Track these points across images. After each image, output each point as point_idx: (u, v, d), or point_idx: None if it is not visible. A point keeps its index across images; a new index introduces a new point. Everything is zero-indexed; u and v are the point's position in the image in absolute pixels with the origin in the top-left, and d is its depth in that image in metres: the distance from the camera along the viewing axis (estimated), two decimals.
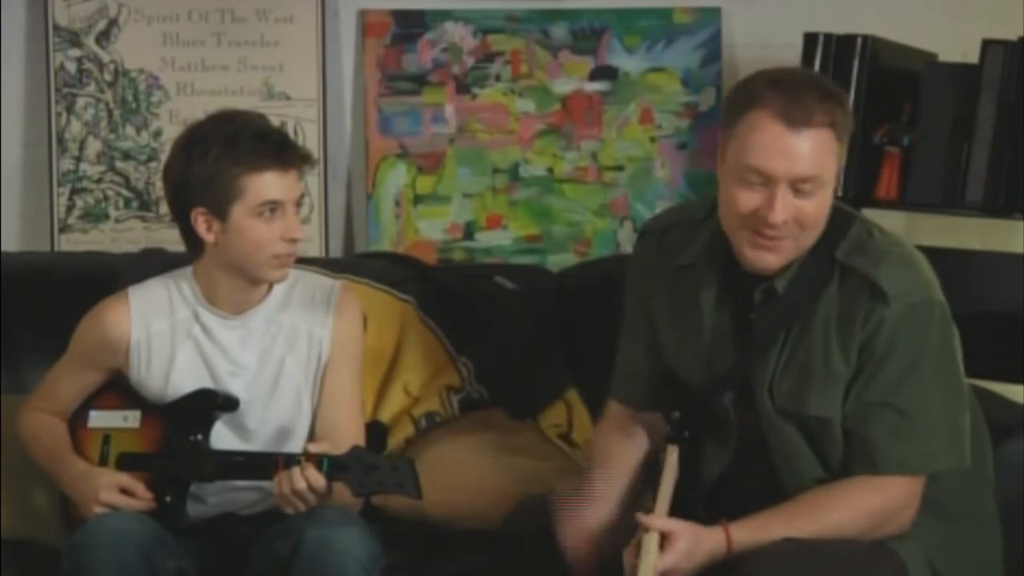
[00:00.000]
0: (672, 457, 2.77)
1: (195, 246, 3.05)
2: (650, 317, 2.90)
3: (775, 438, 2.75)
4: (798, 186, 2.64)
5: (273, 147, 2.98)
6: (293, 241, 3.00)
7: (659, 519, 2.68)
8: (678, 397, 2.84)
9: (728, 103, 2.75)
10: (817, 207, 2.67)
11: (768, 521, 2.69)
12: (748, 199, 2.66)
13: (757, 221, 2.66)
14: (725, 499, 2.76)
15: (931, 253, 2.81)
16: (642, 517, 2.67)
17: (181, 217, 3.02)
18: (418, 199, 3.86)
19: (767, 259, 2.69)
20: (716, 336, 2.80)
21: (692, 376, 2.84)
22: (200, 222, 2.99)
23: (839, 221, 2.75)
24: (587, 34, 3.86)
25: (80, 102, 3.85)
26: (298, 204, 3.02)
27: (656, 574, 2.61)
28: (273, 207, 2.97)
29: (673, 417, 2.80)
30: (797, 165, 2.63)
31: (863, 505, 2.70)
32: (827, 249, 2.72)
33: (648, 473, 2.86)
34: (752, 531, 2.68)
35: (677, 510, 2.73)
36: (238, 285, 3.06)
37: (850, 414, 2.71)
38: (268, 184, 2.96)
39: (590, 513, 2.82)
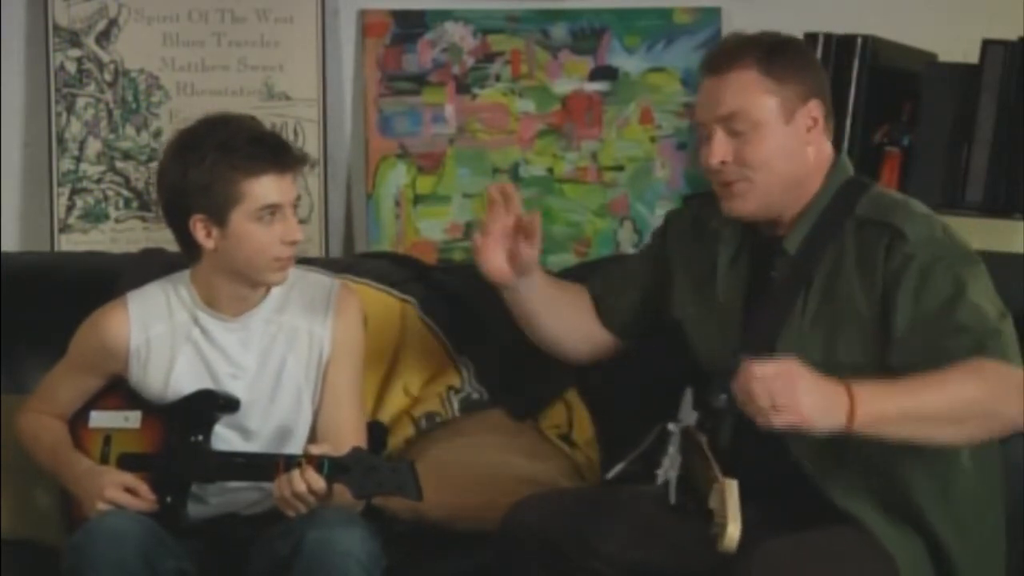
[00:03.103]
0: (704, 443, 2.75)
1: (192, 252, 3.04)
2: (666, 268, 3.01)
3: None
4: (730, 126, 2.78)
5: (270, 150, 2.98)
6: (293, 243, 3.00)
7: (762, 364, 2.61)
8: (696, 375, 2.86)
9: None
10: (761, 150, 2.77)
11: (887, 384, 2.63)
12: (701, 152, 2.83)
13: (710, 172, 2.80)
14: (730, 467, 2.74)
15: None
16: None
17: (178, 224, 3.01)
18: (418, 199, 3.86)
19: (731, 207, 2.82)
20: (729, 296, 2.87)
21: (705, 339, 2.90)
22: (199, 229, 2.99)
23: (855, 186, 2.85)
24: (587, 34, 3.86)
25: (80, 102, 3.85)
26: (294, 206, 3.02)
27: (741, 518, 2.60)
28: (272, 210, 2.97)
29: (718, 402, 2.74)
30: (718, 106, 2.78)
31: (982, 375, 2.63)
32: (843, 209, 2.80)
33: None
34: (874, 388, 2.60)
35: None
36: (237, 288, 3.06)
37: (902, 341, 2.70)
38: (266, 188, 2.96)
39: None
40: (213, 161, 2.94)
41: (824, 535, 2.70)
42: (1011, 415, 2.65)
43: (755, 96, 2.77)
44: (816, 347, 2.76)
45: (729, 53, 2.81)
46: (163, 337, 3.09)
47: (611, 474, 2.94)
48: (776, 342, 2.79)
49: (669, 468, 2.77)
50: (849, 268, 2.77)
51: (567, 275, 3.64)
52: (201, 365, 3.07)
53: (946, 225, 2.81)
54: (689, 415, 2.80)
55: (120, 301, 3.14)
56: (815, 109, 2.81)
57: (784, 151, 2.78)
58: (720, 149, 2.78)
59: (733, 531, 2.58)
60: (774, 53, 2.80)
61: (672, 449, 2.78)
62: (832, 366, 2.72)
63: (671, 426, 2.80)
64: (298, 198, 3.04)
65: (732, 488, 2.61)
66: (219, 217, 2.97)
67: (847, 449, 2.72)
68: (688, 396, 2.82)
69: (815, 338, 2.77)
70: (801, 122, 2.79)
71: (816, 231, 2.81)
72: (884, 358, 2.73)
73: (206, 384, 3.06)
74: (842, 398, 2.57)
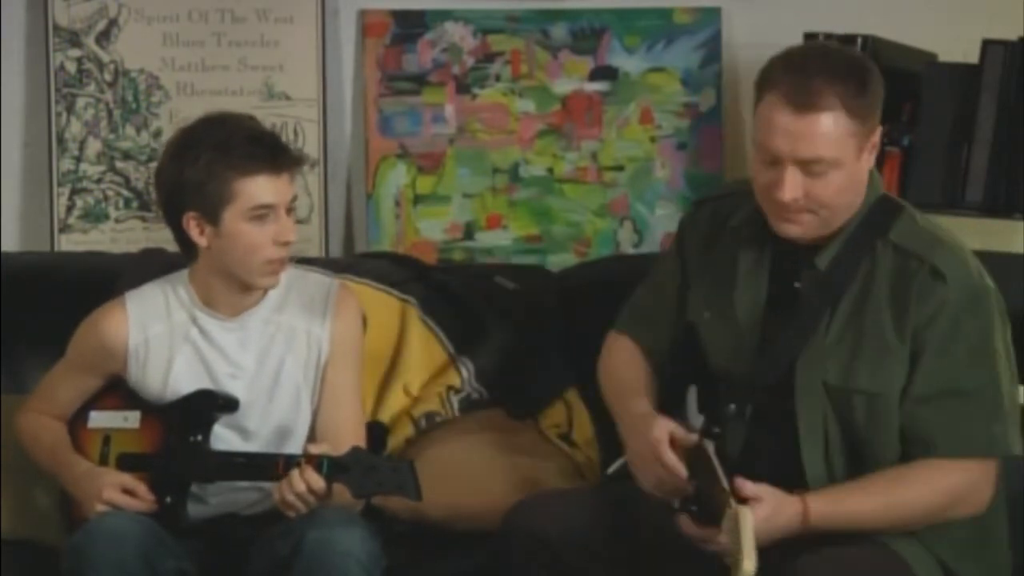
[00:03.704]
0: (711, 451, 2.73)
1: (189, 250, 3.05)
2: (687, 277, 2.96)
3: (807, 413, 2.77)
4: (808, 167, 2.70)
5: (266, 150, 2.98)
6: (286, 244, 3.00)
7: (748, 485, 2.67)
8: (707, 381, 2.86)
9: (755, 84, 2.79)
10: (833, 188, 2.72)
11: (842, 494, 2.72)
12: (763, 175, 2.75)
13: (772, 197, 2.73)
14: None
15: None
16: (740, 483, 2.66)
17: (173, 221, 3.02)
18: (418, 199, 3.86)
19: (790, 230, 2.77)
20: (748, 302, 2.84)
21: (719, 343, 2.87)
22: (192, 226, 2.99)
23: (889, 207, 2.82)
24: (587, 34, 3.86)
25: (80, 102, 3.85)
26: (290, 208, 3.02)
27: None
28: (265, 211, 2.97)
29: (728, 411, 2.77)
30: (800, 147, 2.69)
31: (937, 484, 2.72)
32: (877, 231, 2.78)
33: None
34: (828, 503, 2.70)
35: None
36: (233, 289, 3.06)
37: (918, 399, 2.73)
38: (260, 188, 2.96)
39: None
40: (209, 160, 2.95)
41: (843, 551, 2.69)
42: (966, 512, 2.76)
43: (840, 140, 2.69)
44: (836, 370, 2.76)
45: (816, 92, 2.67)
46: (161, 337, 3.09)
47: (611, 469, 2.95)
48: (797, 360, 2.77)
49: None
50: (880, 294, 2.75)
51: (567, 275, 3.67)
52: (200, 365, 3.07)
53: (978, 263, 2.80)
54: (694, 417, 2.80)
55: (118, 301, 3.14)
56: (878, 135, 2.77)
57: (852, 184, 2.75)
58: (794, 186, 2.70)
59: (748, 567, 2.53)
60: (859, 92, 2.70)
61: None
62: (847, 391, 2.74)
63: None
64: (294, 199, 3.04)
65: (746, 519, 2.55)
66: (212, 215, 2.97)
67: (858, 466, 2.76)
68: (692, 396, 2.81)
69: (836, 360, 2.76)
70: (868, 151, 2.75)
71: (848, 248, 2.78)
72: (899, 394, 2.75)
73: (205, 384, 3.06)
74: (796, 519, 2.69)
